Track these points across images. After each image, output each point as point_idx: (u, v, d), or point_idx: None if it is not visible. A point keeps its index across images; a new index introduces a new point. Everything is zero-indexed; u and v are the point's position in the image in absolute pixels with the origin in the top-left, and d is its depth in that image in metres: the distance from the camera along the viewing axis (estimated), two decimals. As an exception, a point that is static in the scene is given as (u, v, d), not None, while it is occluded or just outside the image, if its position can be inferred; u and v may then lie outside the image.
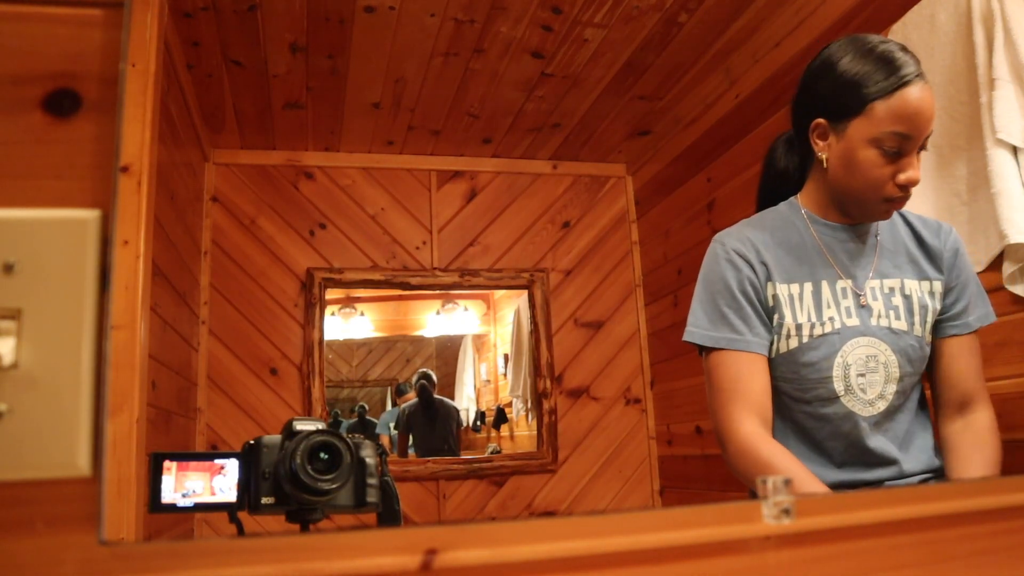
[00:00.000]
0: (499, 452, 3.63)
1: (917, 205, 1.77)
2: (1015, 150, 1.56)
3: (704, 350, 1.22)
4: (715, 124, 2.88)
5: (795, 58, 2.41)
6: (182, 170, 2.58)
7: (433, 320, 3.93)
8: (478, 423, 3.89)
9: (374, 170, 3.28)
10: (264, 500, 1.04)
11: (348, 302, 3.67)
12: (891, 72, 1.11)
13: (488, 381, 3.96)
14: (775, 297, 1.20)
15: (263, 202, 3.14)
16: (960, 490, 0.64)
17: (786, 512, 0.54)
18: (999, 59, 1.57)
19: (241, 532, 1.10)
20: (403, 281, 3.21)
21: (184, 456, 1.02)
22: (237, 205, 3.11)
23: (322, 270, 3.12)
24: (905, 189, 1.13)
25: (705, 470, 2.96)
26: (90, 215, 0.49)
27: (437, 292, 3.55)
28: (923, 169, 1.78)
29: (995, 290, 1.62)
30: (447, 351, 3.98)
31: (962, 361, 1.23)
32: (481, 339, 4.01)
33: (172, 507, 1.00)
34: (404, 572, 0.48)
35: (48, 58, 0.51)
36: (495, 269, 3.32)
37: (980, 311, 1.26)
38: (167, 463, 1.00)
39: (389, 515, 1.14)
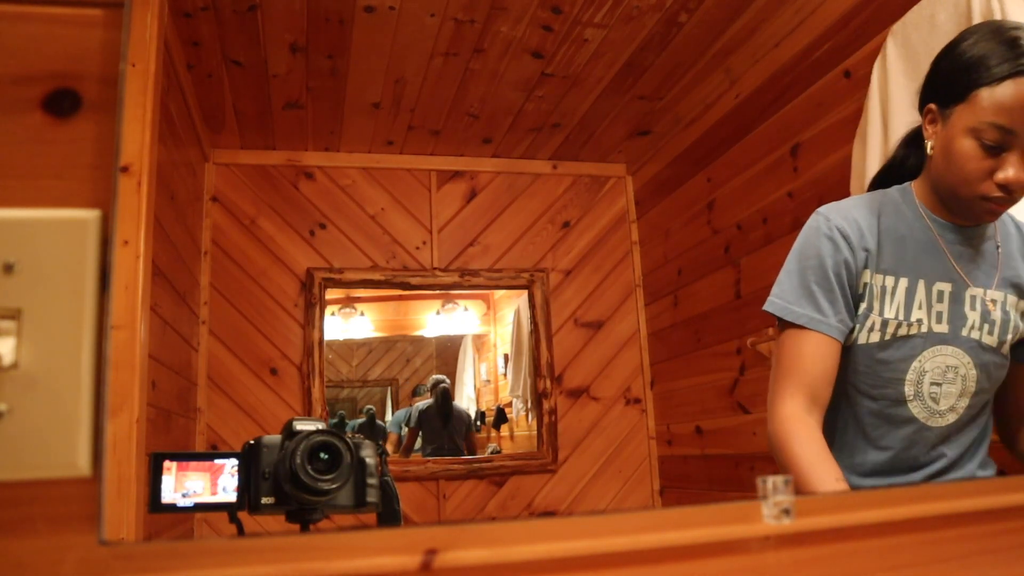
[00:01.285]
0: (499, 452, 3.63)
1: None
2: (1015, 150, 1.56)
3: (782, 323, 1.17)
4: (715, 124, 2.88)
5: (795, 58, 2.41)
6: (182, 170, 2.58)
7: (433, 320, 3.93)
8: (478, 423, 3.89)
9: (374, 170, 3.28)
10: (264, 500, 1.04)
11: (348, 302, 3.67)
12: (1007, 59, 1.02)
13: (488, 381, 3.96)
14: (867, 286, 1.14)
15: (263, 202, 3.14)
16: (960, 490, 0.64)
17: (786, 512, 0.54)
18: (999, 59, 1.57)
19: (241, 532, 1.10)
20: (403, 281, 3.21)
21: (184, 456, 1.02)
22: (237, 205, 3.11)
23: (322, 270, 3.12)
24: (1007, 190, 1.04)
25: (705, 470, 2.96)
26: (90, 215, 0.49)
27: (437, 292, 3.55)
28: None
29: (995, 290, 1.62)
30: (447, 351, 3.98)
31: None
32: (481, 339, 4.01)
33: (172, 507, 1.00)
34: (404, 572, 0.48)
35: (48, 58, 0.51)
36: (495, 269, 3.32)
37: None
38: (167, 463, 1.00)
39: (389, 515, 1.14)
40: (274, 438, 1.07)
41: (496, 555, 0.49)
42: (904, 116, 1.83)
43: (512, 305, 3.67)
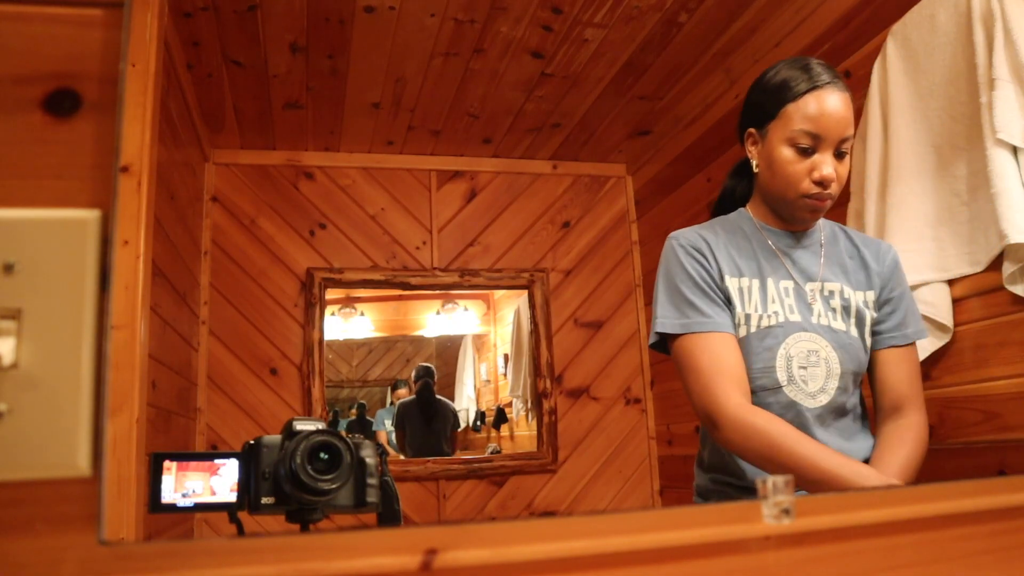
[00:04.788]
0: (499, 452, 3.62)
1: (917, 206, 1.77)
2: (1015, 150, 1.56)
3: (672, 340, 1.27)
4: (715, 124, 2.88)
5: (795, 58, 2.41)
6: (182, 170, 2.58)
7: (433, 320, 3.93)
8: (478, 423, 3.89)
9: (374, 170, 3.28)
10: (264, 500, 1.04)
11: (348, 302, 3.67)
12: (804, 79, 1.23)
13: (488, 381, 3.96)
14: (727, 288, 1.27)
15: (263, 202, 3.14)
16: (960, 490, 0.64)
17: (786, 512, 0.54)
18: (999, 59, 1.57)
19: (241, 532, 1.10)
20: (403, 281, 3.21)
21: (184, 456, 1.02)
22: (237, 205, 3.11)
23: (322, 270, 3.12)
24: (823, 185, 1.21)
25: (705, 470, 2.95)
26: (90, 215, 0.49)
27: (437, 292, 3.55)
28: (923, 170, 1.79)
29: (995, 290, 1.62)
30: (447, 351, 3.98)
31: (900, 369, 1.29)
32: (481, 339, 4.01)
33: (172, 507, 1.00)
34: (404, 572, 0.48)
35: (48, 58, 0.51)
36: (495, 269, 3.32)
37: (916, 325, 1.33)
38: (167, 463, 1.00)
39: (389, 515, 1.14)
40: (274, 438, 1.07)
41: (496, 555, 0.49)
42: (904, 116, 1.83)
43: (512, 305, 3.67)
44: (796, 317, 1.26)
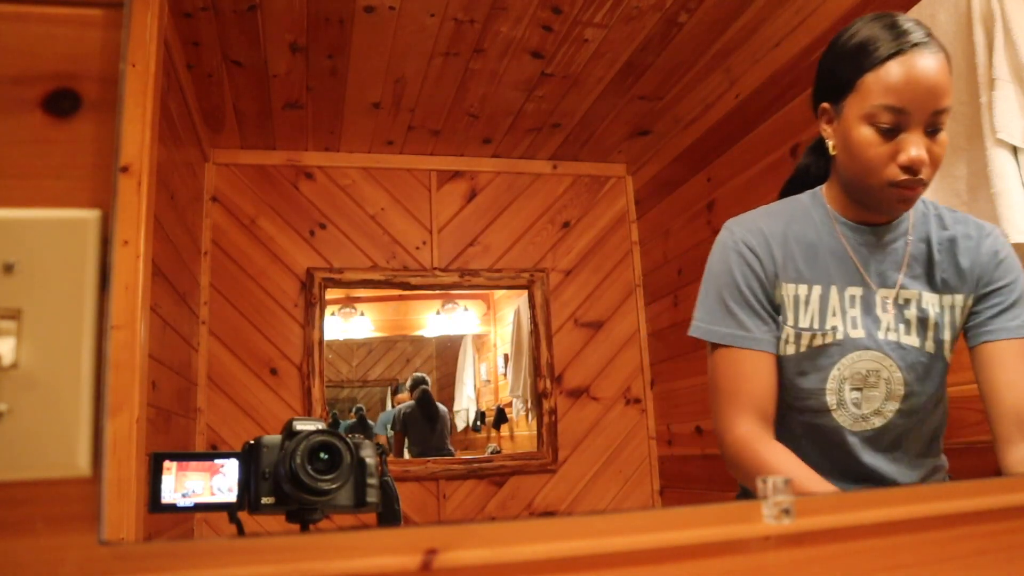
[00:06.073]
0: (499, 452, 3.63)
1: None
2: (1015, 150, 1.56)
3: (710, 345, 1.14)
4: (715, 124, 2.88)
5: (795, 58, 2.41)
6: (182, 170, 2.58)
7: (433, 320, 3.93)
8: (478, 423, 3.89)
9: (374, 170, 3.28)
10: (264, 500, 1.04)
11: (348, 302, 3.67)
12: (887, 40, 1.02)
13: (488, 381, 3.96)
14: (781, 296, 1.12)
15: (263, 202, 3.14)
16: (960, 490, 0.64)
17: (786, 512, 0.54)
18: (999, 59, 1.57)
19: (241, 532, 1.10)
20: (403, 281, 3.21)
21: (184, 456, 1.02)
22: (237, 205, 3.11)
23: (322, 270, 3.12)
24: (912, 171, 1.01)
25: (705, 470, 2.96)
26: (90, 215, 0.49)
27: (437, 292, 3.55)
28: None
29: (995, 290, 1.62)
30: (447, 351, 3.98)
31: (1013, 370, 1.06)
32: (481, 339, 4.01)
33: (172, 507, 1.00)
34: (404, 572, 0.48)
35: (48, 58, 0.51)
36: (495, 269, 3.32)
37: None
38: (167, 463, 1.00)
39: (389, 515, 1.14)
40: (274, 438, 1.07)
41: (496, 555, 0.49)
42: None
43: (512, 305, 3.67)
44: (858, 332, 1.09)
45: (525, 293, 3.39)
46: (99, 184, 0.50)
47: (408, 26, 2.30)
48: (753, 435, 1.07)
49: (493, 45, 2.44)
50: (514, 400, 3.64)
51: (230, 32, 2.27)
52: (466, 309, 3.95)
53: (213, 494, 1.02)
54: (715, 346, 1.13)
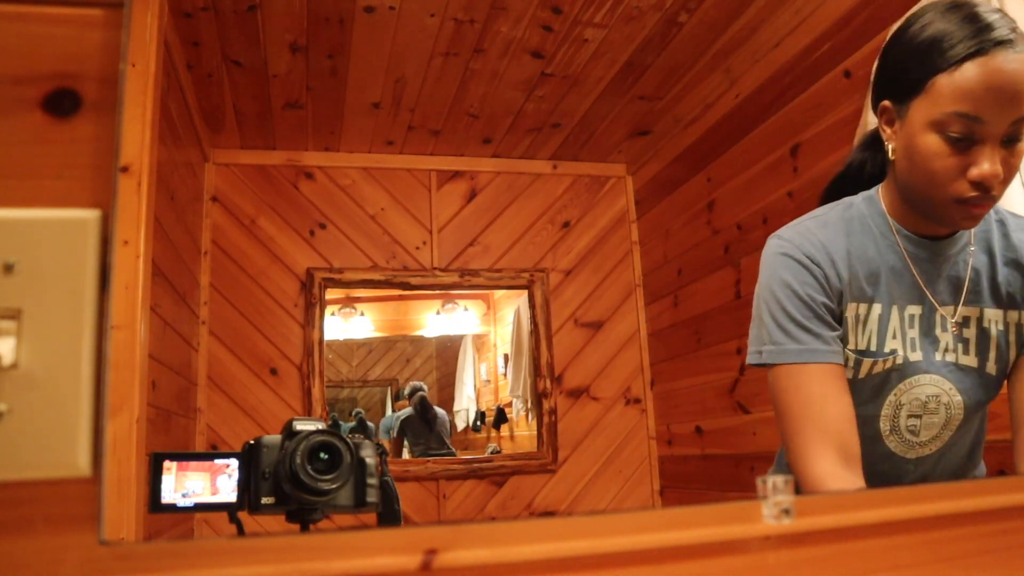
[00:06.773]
0: (499, 452, 3.63)
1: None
2: None
3: (773, 368, 1.01)
4: (715, 124, 2.88)
5: (795, 58, 2.41)
6: (182, 170, 2.58)
7: (433, 320, 3.93)
8: (478, 423, 3.89)
9: (374, 170, 3.28)
10: (264, 500, 1.04)
11: (348, 302, 3.67)
12: (965, 36, 0.87)
13: (488, 381, 3.97)
14: (845, 318, 1.01)
15: (263, 202, 3.14)
16: (960, 490, 0.64)
17: (786, 512, 0.54)
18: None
19: (241, 532, 1.10)
20: (403, 281, 3.21)
21: (184, 456, 1.02)
22: (237, 205, 3.11)
23: (322, 270, 3.13)
24: (983, 188, 0.89)
25: (705, 470, 2.96)
26: (90, 215, 0.49)
27: (437, 292, 3.56)
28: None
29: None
30: (447, 351, 3.98)
31: None
32: (481, 339, 4.01)
33: (172, 507, 1.00)
34: (404, 572, 0.48)
35: (48, 58, 0.51)
36: (495, 269, 3.32)
37: None
38: (167, 463, 1.00)
39: (389, 515, 1.14)
40: (274, 438, 1.07)
41: (496, 555, 0.49)
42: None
43: (512, 305, 3.68)
44: (916, 355, 1.00)
45: (525, 293, 3.39)
46: (99, 184, 0.50)
47: (408, 26, 2.30)
48: (833, 476, 0.93)
49: (493, 45, 2.44)
50: (514, 400, 3.65)
51: (230, 32, 2.27)
52: (466, 309, 3.95)
53: (213, 494, 1.02)
54: (774, 368, 1.00)
